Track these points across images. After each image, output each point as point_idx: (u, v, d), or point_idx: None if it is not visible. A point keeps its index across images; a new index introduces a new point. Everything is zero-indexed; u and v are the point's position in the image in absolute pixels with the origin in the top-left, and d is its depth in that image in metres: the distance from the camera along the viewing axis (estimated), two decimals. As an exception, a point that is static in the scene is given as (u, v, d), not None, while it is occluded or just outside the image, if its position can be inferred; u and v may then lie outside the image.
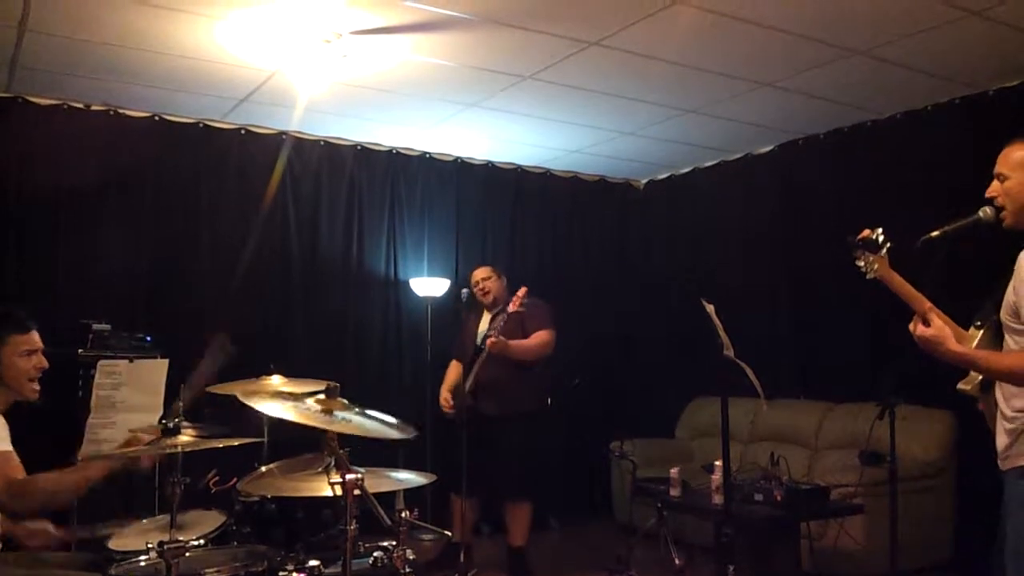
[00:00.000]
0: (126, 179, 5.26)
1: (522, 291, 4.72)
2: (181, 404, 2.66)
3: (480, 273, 5.10)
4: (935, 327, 2.16)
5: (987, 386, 2.35)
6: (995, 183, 2.33)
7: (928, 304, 2.24)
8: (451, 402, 4.92)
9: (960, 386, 2.43)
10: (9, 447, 2.55)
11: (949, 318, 2.40)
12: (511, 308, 4.67)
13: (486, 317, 5.02)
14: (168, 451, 2.45)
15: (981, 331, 2.36)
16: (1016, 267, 2.23)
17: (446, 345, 5.52)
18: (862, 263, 2.34)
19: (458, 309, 5.26)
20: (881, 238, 2.33)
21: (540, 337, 4.81)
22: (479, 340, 4.87)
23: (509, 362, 4.72)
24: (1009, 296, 2.26)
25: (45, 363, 2.76)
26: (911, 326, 2.23)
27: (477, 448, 4.56)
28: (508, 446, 4.74)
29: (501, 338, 4.64)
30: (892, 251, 2.42)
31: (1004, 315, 2.28)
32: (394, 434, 2.50)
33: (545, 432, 5.11)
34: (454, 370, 5.16)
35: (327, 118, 5.58)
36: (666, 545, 4.92)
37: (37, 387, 2.76)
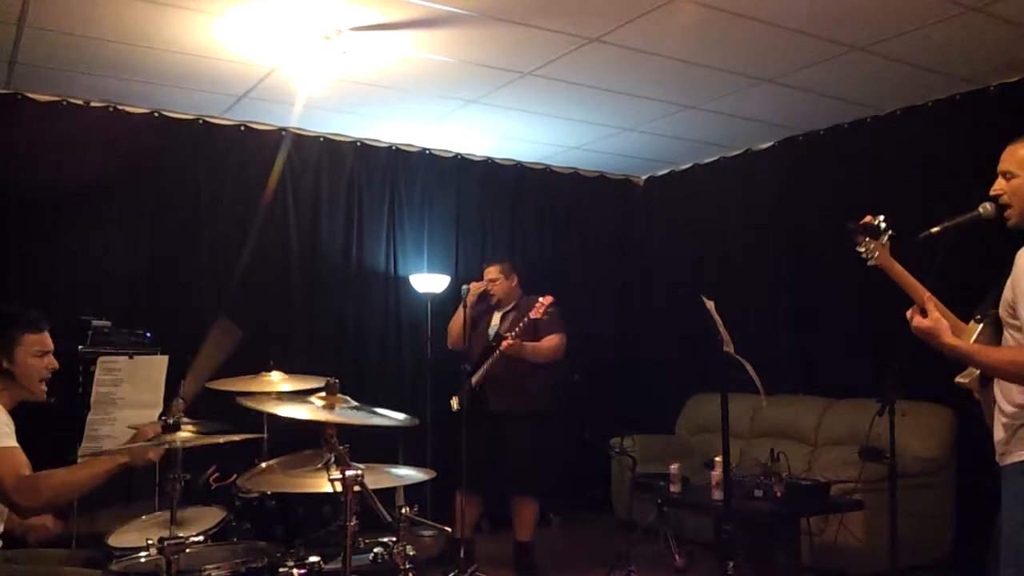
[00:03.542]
0: (126, 175, 5.25)
1: (547, 299, 4.69)
2: (182, 399, 2.66)
3: (490, 272, 5.05)
4: (932, 318, 2.16)
5: (986, 380, 2.34)
6: (1000, 181, 2.31)
7: (927, 294, 2.24)
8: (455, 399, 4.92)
9: (958, 379, 2.43)
10: (14, 443, 2.55)
11: (948, 310, 2.40)
12: (533, 315, 4.65)
13: (497, 313, 5.04)
14: (173, 445, 2.45)
15: (981, 325, 2.35)
16: (1015, 264, 2.23)
17: (446, 342, 5.48)
18: (863, 249, 2.33)
19: (458, 305, 5.25)
20: (883, 224, 2.33)
21: (552, 341, 4.82)
22: (491, 336, 4.89)
23: (521, 362, 4.73)
24: (1007, 293, 2.25)
25: (55, 364, 2.77)
26: (908, 314, 2.23)
27: (484, 445, 4.58)
28: (518, 442, 4.74)
29: (517, 341, 4.64)
30: (893, 246, 2.41)
31: (1002, 311, 2.28)
32: (399, 419, 2.55)
33: (553, 430, 5.12)
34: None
35: (327, 114, 5.58)
36: (666, 541, 4.93)
37: (46, 387, 2.78)
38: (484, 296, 5.07)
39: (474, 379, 4.76)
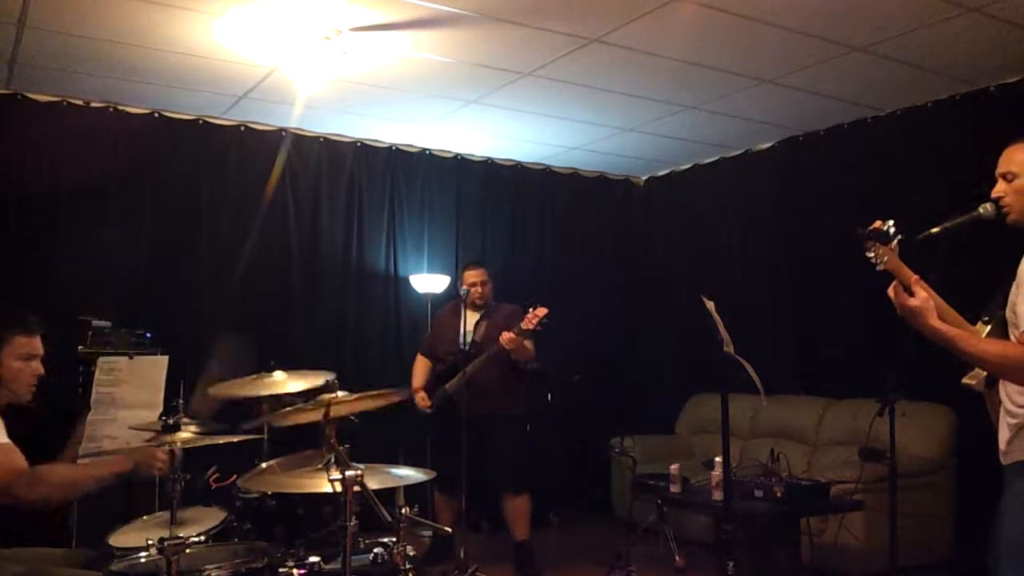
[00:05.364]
0: (126, 176, 5.26)
1: (543, 311, 4.62)
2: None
3: (477, 275, 4.99)
4: (920, 298, 2.15)
5: (992, 381, 2.34)
6: (1001, 183, 2.30)
7: (916, 277, 2.23)
8: (428, 400, 4.92)
9: (965, 380, 2.42)
10: (7, 440, 2.50)
11: (955, 312, 2.39)
12: (526, 326, 4.59)
13: (470, 317, 4.93)
14: (174, 447, 2.45)
15: (988, 326, 2.35)
16: (1020, 267, 2.23)
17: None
18: (872, 255, 2.33)
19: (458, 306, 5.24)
20: (892, 230, 2.32)
21: (529, 346, 4.82)
22: (464, 341, 4.83)
23: (499, 365, 4.73)
24: (1013, 295, 2.25)
25: (41, 370, 2.68)
26: (890, 291, 2.19)
27: (467, 447, 4.49)
28: (501, 443, 4.76)
29: (519, 336, 4.61)
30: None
31: (1009, 312, 2.28)
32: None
33: (535, 430, 5.12)
34: (422, 367, 5.13)
35: (327, 115, 5.58)
36: (666, 541, 4.94)
37: (32, 391, 2.69)
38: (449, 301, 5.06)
39: (448, 385, 4.76)
